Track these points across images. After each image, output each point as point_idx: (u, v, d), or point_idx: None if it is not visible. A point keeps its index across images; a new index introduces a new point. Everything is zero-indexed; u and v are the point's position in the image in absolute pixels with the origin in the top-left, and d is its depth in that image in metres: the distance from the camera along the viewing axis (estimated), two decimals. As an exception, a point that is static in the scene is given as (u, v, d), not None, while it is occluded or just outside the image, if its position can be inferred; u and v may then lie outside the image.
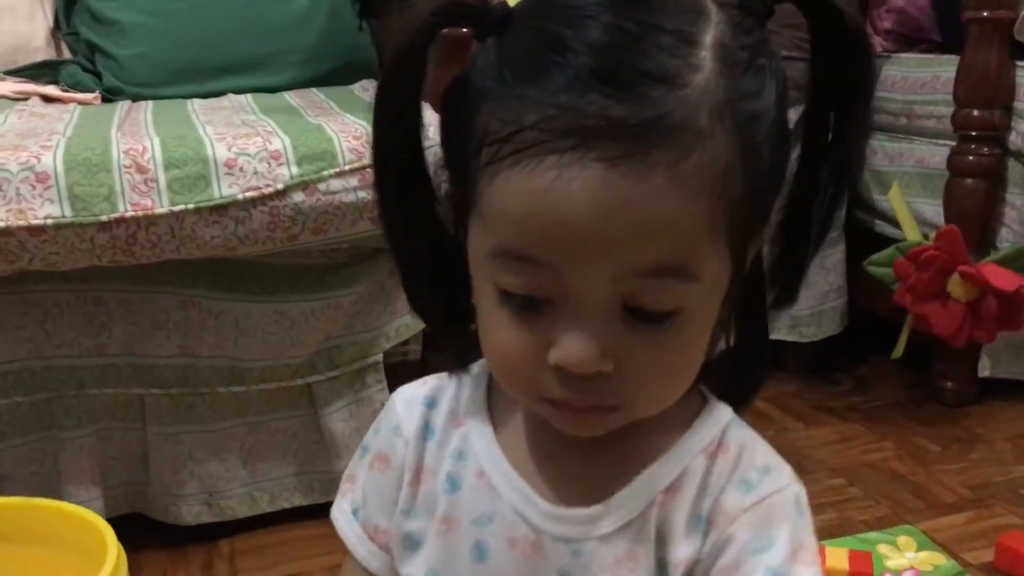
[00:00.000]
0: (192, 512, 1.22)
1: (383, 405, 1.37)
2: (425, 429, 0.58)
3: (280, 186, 1.09)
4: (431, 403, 0.58)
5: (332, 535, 0.63)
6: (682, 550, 0.50)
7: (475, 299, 0.50)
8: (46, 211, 1.01)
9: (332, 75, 1.54)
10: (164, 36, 1.46)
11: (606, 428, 0.50)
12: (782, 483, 0.51)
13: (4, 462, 1.15)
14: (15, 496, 0.90)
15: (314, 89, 1.50)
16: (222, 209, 1.07)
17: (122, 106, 1.38)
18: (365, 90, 1.48)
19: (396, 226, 0.53)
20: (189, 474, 1.22)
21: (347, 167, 1.12)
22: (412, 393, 0.60)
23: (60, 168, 1.02)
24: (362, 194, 1.13)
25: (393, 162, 0.51)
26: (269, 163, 1.09)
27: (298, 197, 1.10)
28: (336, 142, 1.13)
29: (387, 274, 1.25)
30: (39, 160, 1.03)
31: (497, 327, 0.48)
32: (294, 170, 1.10)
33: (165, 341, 1.18)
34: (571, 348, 0.45)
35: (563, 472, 0.54)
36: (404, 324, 1.29)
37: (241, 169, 1.08)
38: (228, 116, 1.28)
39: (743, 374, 0.56)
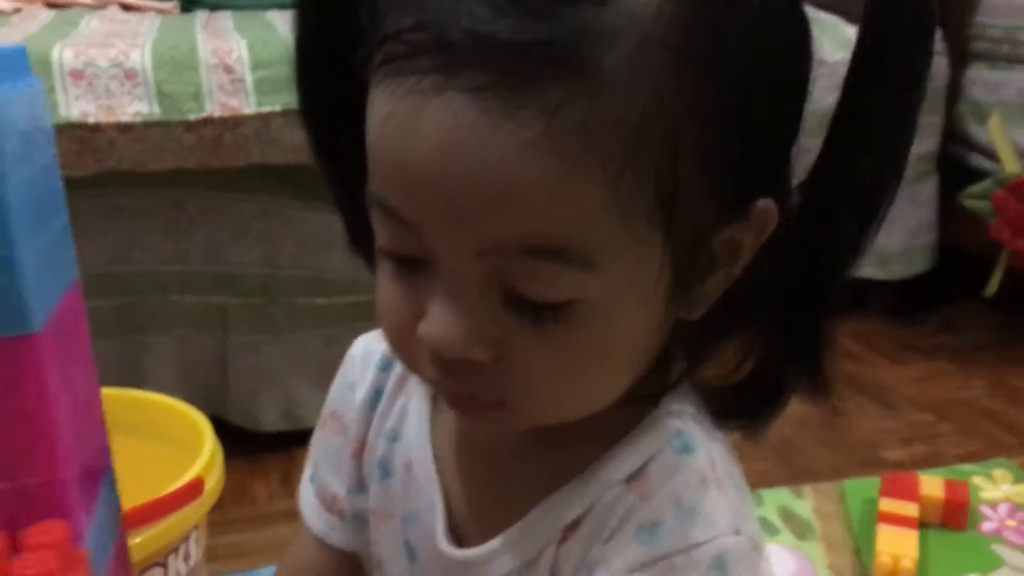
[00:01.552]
0: (269, 419, 1.22)
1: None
2: (375, 395, 0.50)
3: (367, 90, 1.07)
4: (386, 365, 0.50)
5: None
6: None
7: None
8: (135, 108, 1.00)
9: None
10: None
11: (499, 426, 0.40)
12: (704, 535, 0.37)
13: (89, 364, 1.16)
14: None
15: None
16: (308, 112, 1.05)
17: (201, 15, 1.36)
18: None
19: (324, 142, 0.43)
20: (267, 383, 1.22)
21: (434, 73, 1.09)
22: (370, 348, 0.51)
23: (148, 64, 1.01)
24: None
25: (320, 51, 0.40)
26: (356, 66, 1.07)
27: (384, 102, 1.08)
28: (423, 47, 1.10)
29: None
30: (128, 57, 1.02)
31: (380, 281, 0.38)
32: (381, 74, 1.07)
33: (247, 250, 1.17)
34: (434, 324, 0.35)
35: (481, 476, 0.45)
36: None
37: (328, 71, 1.06)
38: (310, 25, 1.25)
39: (758, 387, 0.41)
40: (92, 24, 1.23)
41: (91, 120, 0.99)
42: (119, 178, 1.08)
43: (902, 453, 1.24)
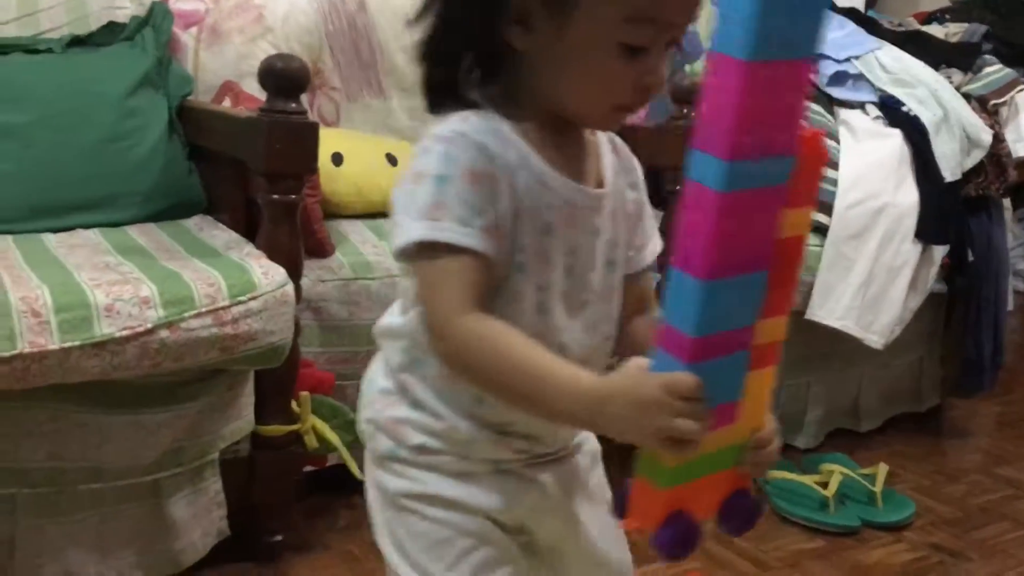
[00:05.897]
0: (53, 589, 1.46)
1: (217, 494, 1.66)
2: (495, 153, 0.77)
3: (149, 325, 1.38)
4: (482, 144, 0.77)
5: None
6: None
7: (566, 61, 0.75)
8: (-43, 350, 1.25)
9: (167, 212, 1.82)
10: (22, 179, 1.69)
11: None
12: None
13: None
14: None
15: (154, 225, 1.78)
16: (102, 345, 1.35)
17: (-16, 241, 1.60)
18: (200, 228, 1.78)
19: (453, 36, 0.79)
20: (50, 558, 1.45)
21: (203, 309, 1.43)
22: (461, 129, 0.77)
23: (-30, 314, 1.27)
24: (214, 330, 1.44)
25: None
26: (140, 307, 1.38)
27: (164, 334, 1.39)
28: (193, 288, 1.43)
29: (226, 388, 1.56)
30: (-51, 307, 1.26)
31: (605, 65, 0.73)
32: (160, 312, 1.39)
33: (36, 448, 1.42)
34: (659, 74, 0.75)
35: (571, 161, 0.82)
36: (237, 427, 1.60)
37: (118, 312, 1.36)
38: (90, 256, 1.54)
39: None
40: None
41: (-82, 361, 1.22)
42: (-74, 396, 1.30)
43: None
